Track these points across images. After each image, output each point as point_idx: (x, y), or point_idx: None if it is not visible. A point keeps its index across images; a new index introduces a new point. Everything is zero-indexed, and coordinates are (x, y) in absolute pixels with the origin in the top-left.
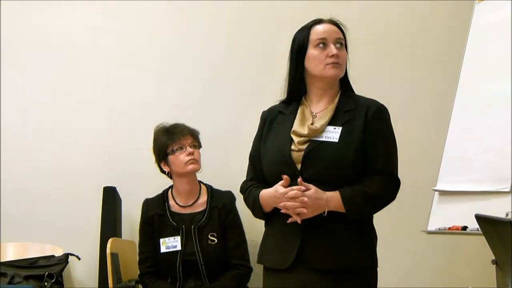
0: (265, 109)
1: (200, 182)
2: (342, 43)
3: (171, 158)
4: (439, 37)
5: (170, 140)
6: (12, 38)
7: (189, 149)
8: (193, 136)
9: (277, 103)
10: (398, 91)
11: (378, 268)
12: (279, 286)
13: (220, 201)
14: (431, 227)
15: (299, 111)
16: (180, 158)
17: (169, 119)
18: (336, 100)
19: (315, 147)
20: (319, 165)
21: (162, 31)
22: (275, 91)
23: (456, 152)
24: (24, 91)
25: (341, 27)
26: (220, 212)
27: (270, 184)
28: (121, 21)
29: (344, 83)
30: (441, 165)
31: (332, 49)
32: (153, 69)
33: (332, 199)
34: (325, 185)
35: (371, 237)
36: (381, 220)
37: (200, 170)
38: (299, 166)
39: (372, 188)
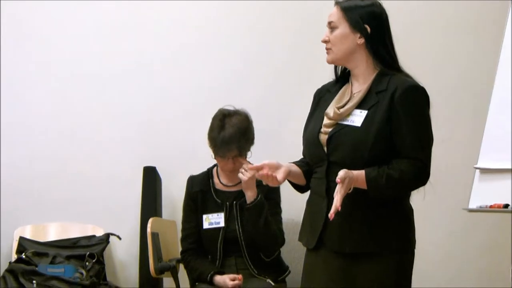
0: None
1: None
2: (334, 26)
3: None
4: (480, 11)
5: (215, 147)
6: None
7: (229, 164)
8: (239, 148)
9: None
10: (438, 68)
11: (416, 249)
12: (309, 265)
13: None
14: (472, 205)
15: (340, 91)
16: (220, 163)
17: (211, 99)
18: (370, 81)
19: (338, 131)
20: (342, 149)
21: (205, 12)
22: (322, 72)
23: (497, 130)
24: (65, 69)
25: (342, 6)
26: (264, 188)
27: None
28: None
29: (386, 61)
30: (482, 143)
31: (324, 36)
32: (193, 49)
33: (358, 176)
34: (350, 168)
35: (402, 220)
36: (420, 199)
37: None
38: (326, 149)
39: (397, 171)
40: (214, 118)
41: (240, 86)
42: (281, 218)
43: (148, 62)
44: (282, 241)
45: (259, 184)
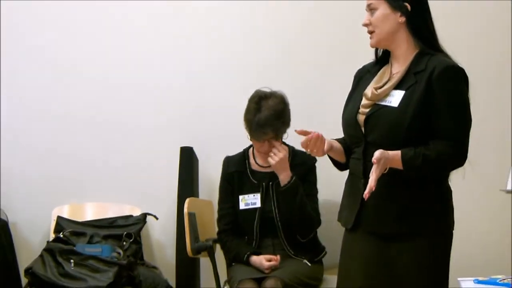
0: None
1: (283, 143)
2: (374, 8)
3: (252, 140)
4: None
5: (251, 130)
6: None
7: (265, 147)
8: (275, 131)
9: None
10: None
11: (455, 230)
12: (347, 244)
13: (301, 159)
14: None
15: (380, 72)
16: (256, 145)
17: (249, 81)
18: (409, 61)
19: (375, 112)
20: (379, 130)
21: None
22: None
23: None
24: (104, 55)
25: None
26: (300, 169)
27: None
28: None
29: (427, 40)
30: None
31: (364, 19)
32: (232, 29)
33: (394, 156)
34: (387, 149)
35: (439, 201)
36: (459, 180)
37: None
38: (364, 130)
39: (434, 152)
40: (250, 100)
41: (278, 67)
42: (317, 199)
43: (186, 44)
44: (318, 222)
45: (295, 164)
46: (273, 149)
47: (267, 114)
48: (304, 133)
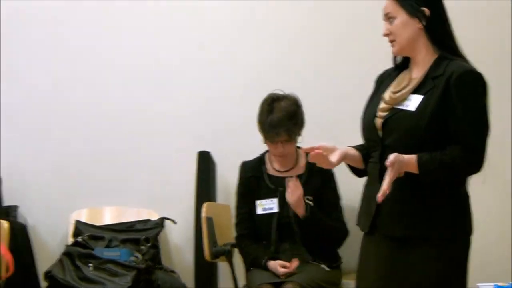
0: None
1: (298, 147)
2: (392, 17)
3: (266, 142)
4: None
5: (264, 131)
6: None
7: (279, 148)
8: (288, 132)
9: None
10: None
11: (477, 235)
12: (364, 248)
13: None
14: None
15: (399, 76)
16: (271, 148)
17: (266, 85)
18: (428, 66)
19: (393, 116)
20: (396, 134)
21: None
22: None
23: None
24: (127, 57)
25: None
26: (318, 176)
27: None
28: None
29: (445, 45)
30: None
31: (383, 29)
32: (250, 35)
33: (410, 160)
34: (404, 153)
35: (456, 206)
36: (478, 184)
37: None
38: (381, 133)
39: (450, 157)
40: (263, 103)
41: (294, 72)
42: (340, 208)
43: (203, 50)
44: (345, 232)
45: (314, 171)
46: (290, 184)
47: (280, 115)
48: (309, 150)
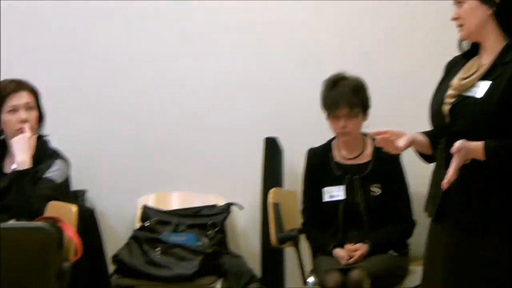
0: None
1: (365, 134)
2: (461, 1)
3: (329, 119)
4: None
5: (325, 106)
6: None
7: (341, 123)
8: (350, 106)
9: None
10: None
11: None
12: (431, 235)
13: (385, 153)
14: None
15: (468, 63)
16: (333, 125)
17: (335, 70)
18: (497, 53)
19: (460, 102)
20: (463, 120)
21: None
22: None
23: None
24: (195, 46)
25: None
26: (385, 164)
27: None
28: None
29: None
30: None
31: (453, 13)
32: (314, 22)
33: (476, 147)
34: (471, 139)
35: None
36: None
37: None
38: (448, 120)
39: None
40: (327, 80)
41: (366, 58)
42: (407, 196)
43: (268, 37)
44: (413, 225)
45: (380, 157)
46: (350, 249)
47: (342, 89)
48: (376, 134)
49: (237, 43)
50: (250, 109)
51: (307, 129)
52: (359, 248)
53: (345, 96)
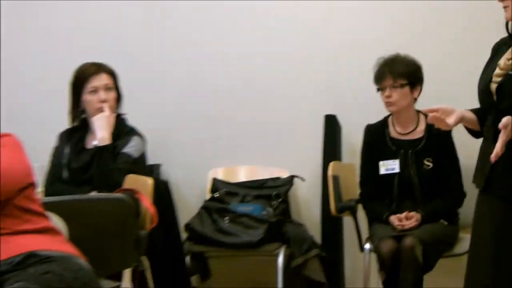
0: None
1: (418, 111)
2: None
3: (379, 93)
4: None
5: (375, 81)
6: None
7: (386, 92)
8: (393, 75)
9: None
10: None
11: None
12: (479, 206)
13: (437, 129)
14: None
15: None
16: (382, 97)
17: (394, 48)
18: None
19: (506, 81)
20: (510, 99)
21: None
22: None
23: None
24: (251, 23)
25: None
26: (437, 139)
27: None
28: None
29: None
30: None
31: None
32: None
33: None
34: None
35: None
36: None
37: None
38: (495, 98)
39: None
40: (380, 58)
41: (419, 37)
42: (458, 169)
43: (332, 14)
44: (463, 196)
45: (431, 134)
46: (404, 217)
47: (388, 62)
48: (428, 111)
49: (298, 24)
50: (311, 88)
51: (364, 107)
52: (413, 217)
53: (390, 67)
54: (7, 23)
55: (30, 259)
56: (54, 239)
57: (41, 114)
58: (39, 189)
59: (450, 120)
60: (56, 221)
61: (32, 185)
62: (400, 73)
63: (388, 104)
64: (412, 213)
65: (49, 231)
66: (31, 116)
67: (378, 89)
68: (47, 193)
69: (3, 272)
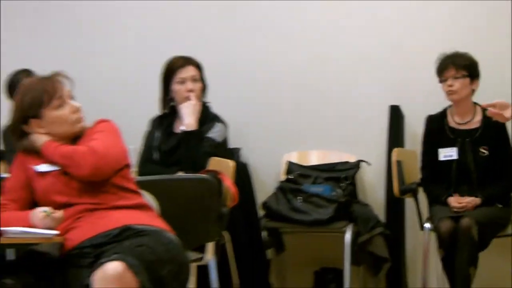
0: None
1: (475, 104)
2: None
3: (441, 84)
4: None
5: (437, 73)
6: None
7: (449, 81)
8: (455, 67)
9: None
10: None
11: None
12: None
13: (493, 120)
14: None
15: None
16: (443, 88)
17: (446, 45)
18: None
19: None
20: None
21: None
22: None
23: None
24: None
25: None
26: (492, 129)
27: None
28: None
29: None
30: None
31: None
32: None
33: None
34: None
35: None
36: None
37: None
38: None
39: None
40: (441, 54)
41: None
42: None
43: (397, 10)
44: None
45: (487, 124)
46: (461, 200)
47: (453, 54)
48: (486, 106)
49: (370, 20)
50: (378, 81)
51: (426, 99)
52: (472, 201)
53: (452, 60)
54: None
55: (126, 232)
56: (147, 215)
57: (130, 102)
58: (133, 169)
59: (507, 113)
60: (148, 198)
61: (127, 166)
62: (462, 65)
63: (450, 93)
64: (470, 198)
65: (142, 207)
66: (120, 104)
67: (441, 81)
68: (140, 172)
69: (101, 244)
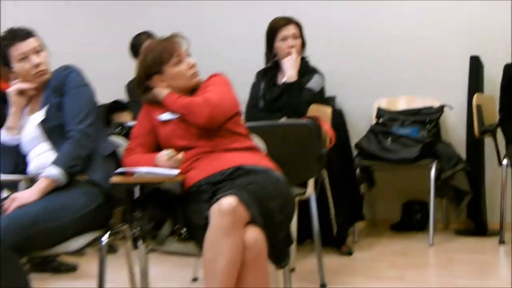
0: None
1: None
2: None
3: None
4: None
5: None
6: None
7: None
8: None
9: None
10: None
11: None
12: None
13: None
14: None
15: None
16: None
17: None
18: None
19: None
20: None
21: None
22: None
23: None
24: None
25: None
26: None
27: None
28: None
29: None
30: None
31: None
32: None
33: None
34: None
35: None
36: None
37: None
38: None
39: None
40: None
41: None
42: None
43: None
44: None
45: None
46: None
47: None
48: None
49: None
50: (461, 32)
51: (504, 49)
52: None
53: None
54: None
55: (238, 171)
56: (256, 156)
57: (240, 57)
58: (243, 116)
59: None
60: (257, 141)
61: (238, 113)
62: None
63: None
64: None
65: (252, 149)
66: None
67: None
68: (248, 118)
69: (217, 182)
